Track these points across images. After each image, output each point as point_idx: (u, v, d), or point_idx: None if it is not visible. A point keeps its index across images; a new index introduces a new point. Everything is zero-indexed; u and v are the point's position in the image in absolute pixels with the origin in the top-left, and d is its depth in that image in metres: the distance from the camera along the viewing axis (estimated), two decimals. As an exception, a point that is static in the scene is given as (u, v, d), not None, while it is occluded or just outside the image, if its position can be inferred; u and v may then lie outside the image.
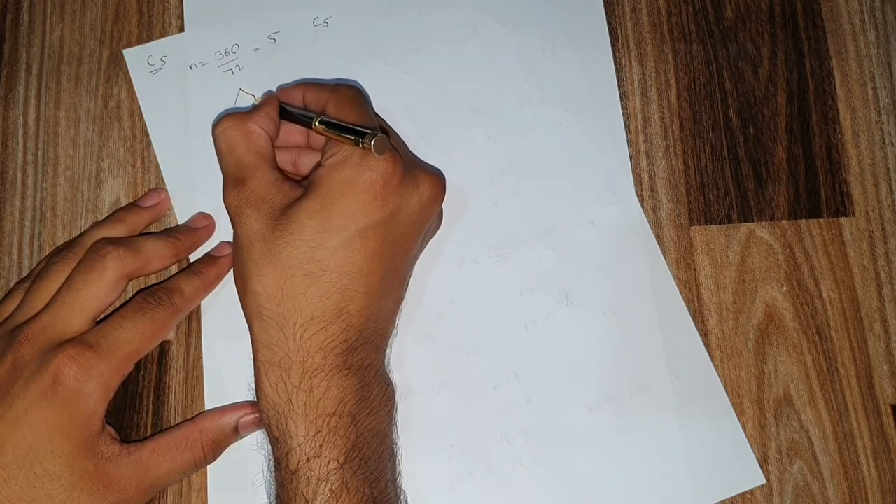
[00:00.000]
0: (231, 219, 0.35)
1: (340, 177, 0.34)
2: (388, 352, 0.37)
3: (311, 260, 0.33)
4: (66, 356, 0.32)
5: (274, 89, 0.42)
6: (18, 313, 0.35)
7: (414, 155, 0.40)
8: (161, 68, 0.42)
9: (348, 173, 0.33)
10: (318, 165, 0.35)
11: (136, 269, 0.36)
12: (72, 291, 0.35)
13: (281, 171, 0.36)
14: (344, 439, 0.32)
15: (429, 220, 0.37)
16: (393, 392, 0.36)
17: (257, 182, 0.35)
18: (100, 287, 0.35)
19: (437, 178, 0.36)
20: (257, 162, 0.35)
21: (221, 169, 0.36)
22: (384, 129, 0.38)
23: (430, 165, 0.39)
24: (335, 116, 0.36)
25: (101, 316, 0.36)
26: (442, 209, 0.39)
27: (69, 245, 0.38)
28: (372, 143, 0.33)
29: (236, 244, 0.35)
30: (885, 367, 0.39)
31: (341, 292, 0.33)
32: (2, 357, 0.33)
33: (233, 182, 0.35)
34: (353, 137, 0.33)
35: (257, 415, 0.35)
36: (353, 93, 0.37)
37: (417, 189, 0.35)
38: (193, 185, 0.41)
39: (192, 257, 0.40)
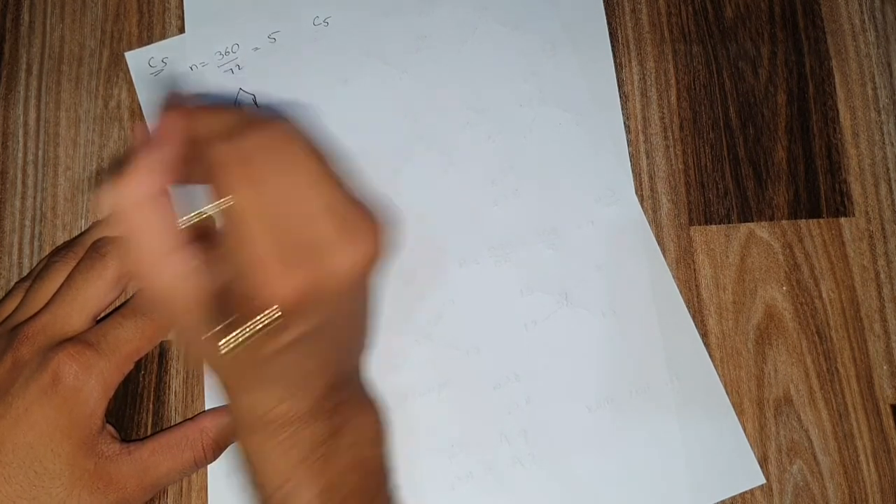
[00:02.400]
0: None
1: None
2: (365, 367, 0.34)
3: None
4: (65, 355, 0.32)
5: (273, 89, 0.42)
6: (18, 312, 0.35)
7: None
8: (162, 70, 0.43)
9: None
10: None
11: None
12: (72, 290, 0.35)
13: None
14: (318, 480, 0.30)
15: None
16: (377, 416, 0.33)
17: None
18: (100, 286, 0.35)
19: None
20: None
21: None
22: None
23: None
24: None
25: (102, 315, 0.36)
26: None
27: (69, 244, 0.38)
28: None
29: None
30: (884, 367, 0.39)
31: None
32: (2, 356, 0.33)
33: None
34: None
35: None
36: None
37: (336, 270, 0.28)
38: (194, 185, 0.41)
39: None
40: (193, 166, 0.29)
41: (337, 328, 0.30)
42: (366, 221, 0.28)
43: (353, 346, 0.33)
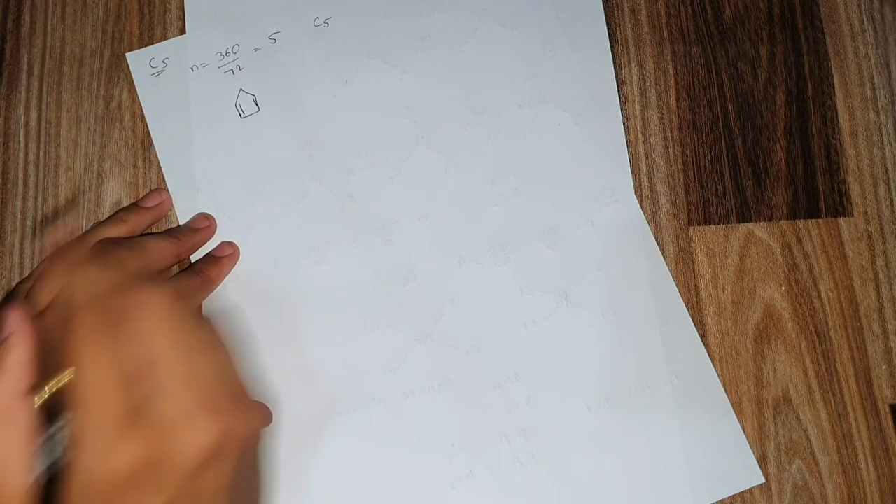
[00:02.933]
0: None
1: (85, 474, 0.27)
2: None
3: None
4: None
5: (274, 89, 0.42)
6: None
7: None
8: (163, 70, 0.43)
9: (93, 471, 0.27)
10: None
11: (139, 270, 0.36)
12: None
13: None
14: None
15: (227, 462, 0.28)
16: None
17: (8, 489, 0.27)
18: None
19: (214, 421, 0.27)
20: (8, 460, 0.27)
21: None
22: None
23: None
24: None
25: None
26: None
27: (70, 245, 0.38)
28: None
29: None
30: (883, 367, 0.39)
31: None
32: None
33: None
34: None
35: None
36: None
37: (185, 452, 0.27)
38: (194, 186, 0.41)
39: (193, 258, 0.40)
40: (52, 344, 0.29)
41: None
42: (232, 399, 0.28)
43: None
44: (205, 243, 0.40)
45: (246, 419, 0.28)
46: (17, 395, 0.28)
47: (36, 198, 0.42)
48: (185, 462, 0.26)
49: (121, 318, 0.28)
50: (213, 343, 0.29)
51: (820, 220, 0.41)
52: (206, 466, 0.27)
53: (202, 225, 0.40)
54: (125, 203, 0.41)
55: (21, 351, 0.28)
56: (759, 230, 0.41)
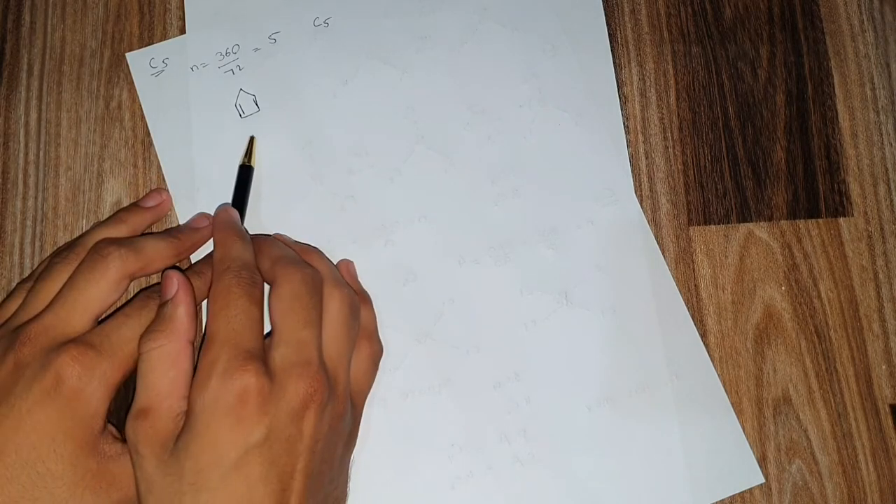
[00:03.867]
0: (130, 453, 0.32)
1: (205, 400, 0.31)
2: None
3: None
4: (68, 356, 0.32)
5: (274, 89, 0.42)
6: (20, 313, 0.35)
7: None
8: (163, 70, 0.43)
9: (211, 394, 0.31)
10: None
11: (138, 270, 0.36)
12: (73, 291, 0.35)
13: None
14: None
15: (316, 430, 0.32)
16: None
17: (158, 417, 0.31)
18: (102, 286, 0.35)
19: (305, 380, 0.32)
20: (168, 391, 0.32)
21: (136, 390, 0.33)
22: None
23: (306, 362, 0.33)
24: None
25: (103, 316, 0.36)
26: (357, 418, 0.36)
27: (71, 245, 0.38)
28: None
29: (136, 485, 0.32)
30: (883, 367, 0.39)
31: None
32: (4, 357, 0.33)
33: (135, 412, 0.32)
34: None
35: None
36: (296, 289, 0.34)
37: (284, 398, 0.31)
38: (194, 186, 0.41)
39: (194, 257, 0.40)
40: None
41: (282, 477, 0.32)
42: (324, 368, 0.33)
43: None
44: (205, 243, 0.40)
45: (340, 395, 0.34)
46: (185, 347, 0.33)
47: (36, 198, 0.42)
48: (288, 402, 0.31)
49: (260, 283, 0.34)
50: (329, 330, 0.34)
51: (820, 220, 0.41)
52: (302, 413, 0.31)
53: (202, 224, 0.40)
54: (125, 203, 0.41)
55: (187, 306, 0.33)
56: (759, 230, 0.41)
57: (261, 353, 0.32)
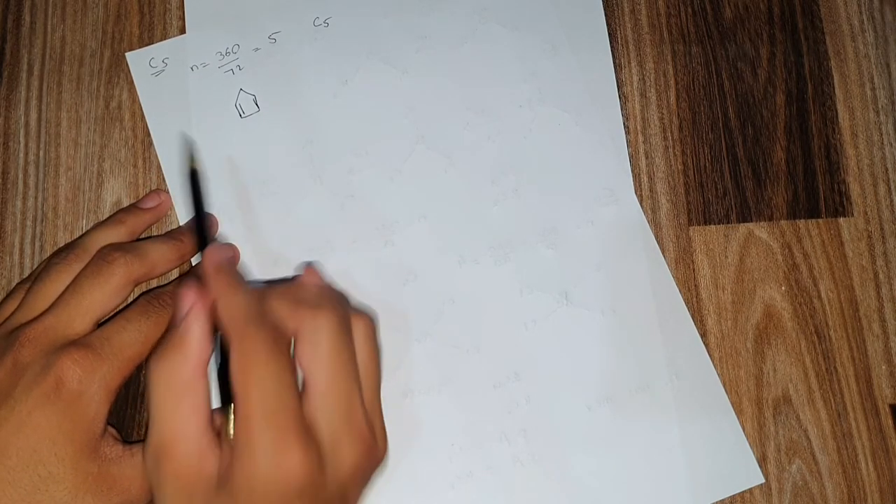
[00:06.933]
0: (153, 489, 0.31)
1: (253, 485, 0.28)
2: None
3: None
4: (69, 359, 0.32)
5: (274, 89, 0.42)
6: (19, 314, 0.35)
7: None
8: (163, 70, 0.43)
9: (260, 479, 0.28)
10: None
11: (143, 275, 0.36)
12: (76, 295, 0.35)
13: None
14: None
15: (361, 493, 0.32)
16: None
17: (182, 456, 0.29)
18: (106, 291, 0.35)
19: (357, 446, 0.30)
20: (185, 421, 0.30)
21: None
22: None
23: (360, 425, 0.31)
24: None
25: (104, 319, 0.36)
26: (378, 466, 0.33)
27: (70, 247, 0.38)
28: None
29: None
30: (883, 367, 0.39)
31: None
32: (2, 358, 0.33)
33: (155, 448, 0.30)
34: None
35: None
36: (326, 329, 0.31)
37: (336, 473, 0.30)
38: (194, 186, 0.41)
39: (194, 259, 0.40)
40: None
41: None
42: (371, 426, 0.32)
43: None
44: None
45: (381, 446, 0.32)
46: (200, 369, 0.30)
47: (36, 198, 0.42)
48: (339, 478, 0.30)
49: (288, 335, 0.31)
50: (362, 371, 0.32)
51: (820, 220, 0.41)
52: (352, 484, 0.30)
53: (205, 225, 0.40)
54: (125, 203, 0.41)
55: (201, 326, 0.30)
56: (759, 230, 0.41)
57: (302, 420, 0.29)
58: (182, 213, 0.41)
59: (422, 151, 0.41)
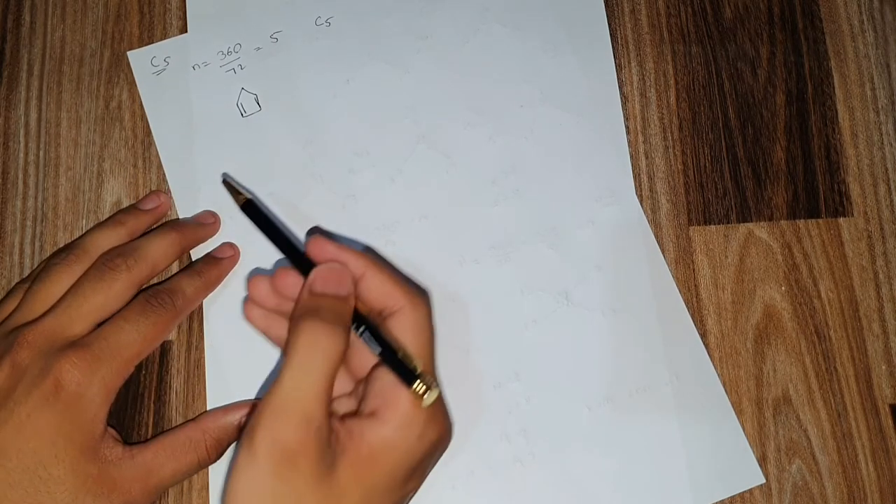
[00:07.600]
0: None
1: (394, 444, 0.31)
2: None
3: None
4: (68, 361, 0.32)
5: (275, 88, 0.42)
6: (17, 314, 0.35)
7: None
8: (164, 69, 0.43)
9: (406, 445, 0.31)
10: (357, 411, 0.32)
11: (146, 278, 0.36)
12: (78, 298, 0.35)
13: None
14: None
15: (433, 465, 0.35)
16: None
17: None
18: (108, 295, 0.35)
19: (448, 429, 0.34)
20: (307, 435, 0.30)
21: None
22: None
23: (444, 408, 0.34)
24: (392, 337, 0.32)
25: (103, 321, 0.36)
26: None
27: (69, 248, 0.38)
28: (425, 397, 0.31)
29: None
30: (883, 367, 0.39)
31: None
32: (1, 358, 0.33)
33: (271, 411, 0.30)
34: (412, 386, 0.31)
35: None
36: (427, 314, 0.33)
37: (434, 444, 0.33)
38: (196, 185, 0.41)
39: (193, 255, 0.40)
40: None
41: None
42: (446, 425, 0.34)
43: None
44: (208, 239, 0.40)
45: (451, 425, 0.35)
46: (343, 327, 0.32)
47: (36, 198, 0.42)
48: (441, 446, 0.34)
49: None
50: None
51: (820, 220, 0.41)
52: (431, 461, 0.34)
53: (208, 221, 0.40)
54: (125, 203, 0.41)
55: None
56: (759, 230, 0.41)
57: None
58: (182, 213, 0.41)
59: (423, 151, 0.41)
